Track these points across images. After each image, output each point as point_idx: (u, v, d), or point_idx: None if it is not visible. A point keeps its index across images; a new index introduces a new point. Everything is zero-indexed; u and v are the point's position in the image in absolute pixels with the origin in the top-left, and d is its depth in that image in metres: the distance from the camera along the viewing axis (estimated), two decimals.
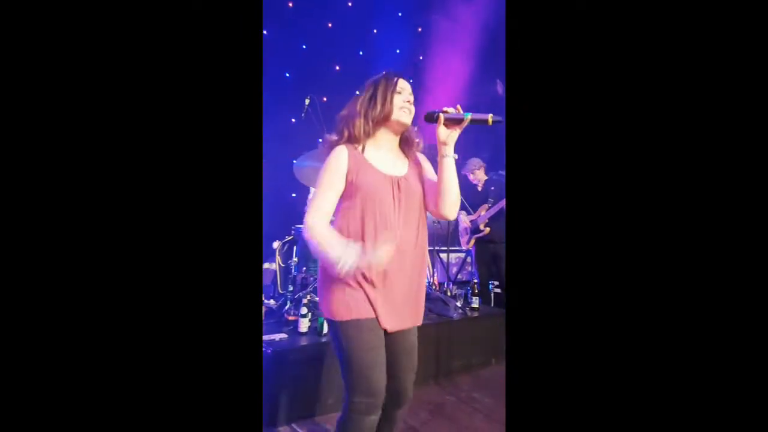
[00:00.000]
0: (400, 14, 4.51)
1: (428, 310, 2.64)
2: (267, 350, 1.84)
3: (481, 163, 3.40)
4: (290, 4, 3.75)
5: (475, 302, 2.76)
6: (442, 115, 1.10)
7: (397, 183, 1.13)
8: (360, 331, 1.05)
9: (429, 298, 2.80)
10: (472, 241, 3.35)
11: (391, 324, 1.09)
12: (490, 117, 1.06)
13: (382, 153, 1.17)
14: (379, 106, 1.12)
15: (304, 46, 3.86)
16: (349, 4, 4.16)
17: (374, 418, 1.07)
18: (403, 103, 1.13)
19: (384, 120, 1.14)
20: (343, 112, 1.17)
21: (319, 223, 1.06)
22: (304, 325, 2.05)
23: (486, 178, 3.35)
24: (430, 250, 3.60)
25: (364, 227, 1.08)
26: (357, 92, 1.19)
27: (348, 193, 1.11)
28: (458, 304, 2.73)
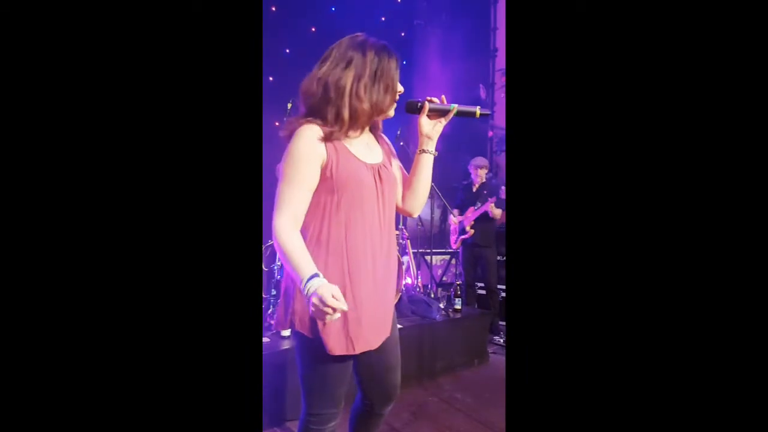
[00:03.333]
0: (383, 19, 4.54)
1: (411, 312, 2.66)
2: None
3: (487, 164, 3.46)
4: (273, 8, 3.75)
5: (458, 304, 2.80)
6: (427, 104, 0.97)
7: (378, 172, 0.95)
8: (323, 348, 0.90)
9: (412, 299, 2.82)
10: (459, 242, 3.40)
11: (378, 340, 0.96)
12: (477, 110, 0.97)
13: (358, 139, 0.96)
14: (384, 94, 0.91)
15: (287, 51, 3.86)
16: (333, 9, 4.18)
17: (333, 424, 0.98)
18: (396, 93, 0.95)
19: (382, 111, 0.93)
20: (330, 78, 0.89)
21: (290, 230, 0.88)
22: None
23: (484, 181, 3.40)
24: (414, 253, 3.63)
25: (348, 231, 0.90)
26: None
27: (325, 188, 0.91)
28: (441, 305, 2.75)
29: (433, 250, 3.84)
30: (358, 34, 0.94)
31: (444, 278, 4.24)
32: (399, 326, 2.38)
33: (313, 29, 4.04)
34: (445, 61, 4.56)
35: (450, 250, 4.29)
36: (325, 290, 0.81)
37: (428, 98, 0.98)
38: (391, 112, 0.98)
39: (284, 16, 3.81)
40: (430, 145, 0.98)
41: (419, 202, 1.02)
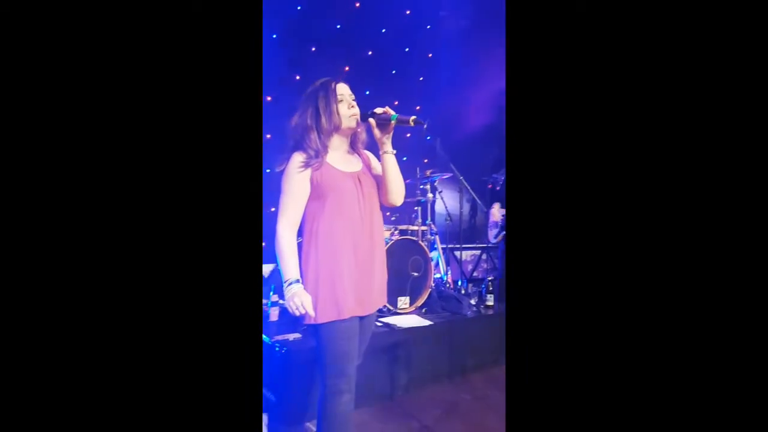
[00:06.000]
0: (408, 12, 4.49)
1: (441, 308, 2.63)
2: (281, 350, 1.87)
3: None
4: (298, 8, 3.78)
5: (490, 300, 2.74)
6: (372, 120, 1.21)
7: (358, 178, 1.24)
8: (338, 322, 1.17)
9: (442, 296, 2.79)
10: (500, 237, 3.33)
11: (366, 309, 1.23)
12: (411, 119, 1.19)
13: (338, 153, 1.25)
14: (324, 119, 1.19)
15: (312, 48, 3.88)
16: (357, 4, 4.17)
17: (348, 396, 1.18)
18: (347, 110, 1.22)
19: (335, 130, 1.22)
20: (295, 121, 1.22)
21: (286, 235, 1.17)
22: None
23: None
24: (444, 248, 3.59)
25: (333, 227, 1.18)
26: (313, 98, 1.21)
27: (315, 195, 1.20)
28: (472, 302, 2.71)
29: (463, 245, 3.78)
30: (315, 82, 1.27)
31: (475, 273, 4.18)
32: (429, 322, 2.37)
33: (339, 26, 4.05)
34: (471, 51, 4.46)
35: (481, 245, 4.22)
36: (297, 299, 1.13)
37: (373, 111, 1.21)
38: (350, 124, 1.23)
39: (310, 14, 3.83)
40: (387, 147, 1.23)
41: (395, 194, 1.27)
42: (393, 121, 1.19)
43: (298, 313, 1.14)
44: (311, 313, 1.14)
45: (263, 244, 3.62)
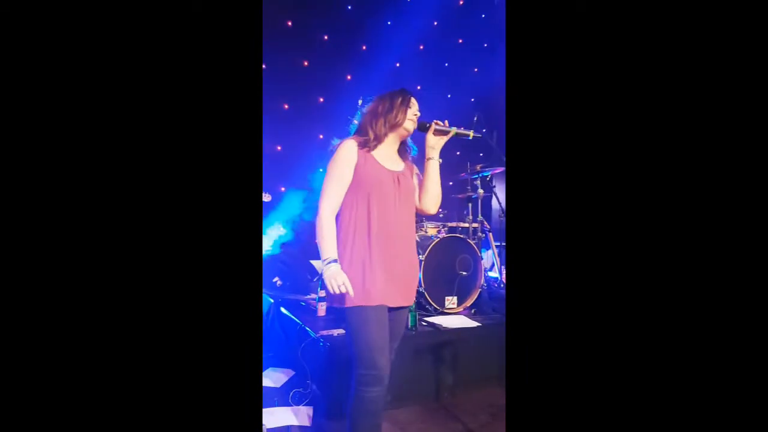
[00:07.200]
0: (461, 3, 4.36)
1: (492, 309, 2.53)
2: (324, 344, 1.90)
3: None
4: (349, 7, 3.82)
5: None
6: (433, 125, 1.37)
7: (397, 178, 1.33)
8: (367, 308, 1.21)
9: (494, 296, 2.67)
10: None
11: (392, 301, 1.26)
12: (471, 132, 1.38)
13: (387, 151, 1.37)
14: (395, 113, 1.35)
15: (364, 47, 3.90)
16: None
17: (379, 389, 1.20)
18: (412, 115, 1.37)
19: (397, 125, 1.36)
20: (365, 110, 1.39)
21: (328, 216, 1.26)
22: None
23: None
24: (498, 246, 3.44)
25: (370, 218, 1.26)
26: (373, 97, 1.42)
27: (356, 185, 1.28)
28: None
29: None
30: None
31: None
32: (477, 323, 2.28)
33: (389, 23, 4.03)
34: None
35: None
36: (339, 278, 1.19)
37: (435, 121, 1.38)
38: (409, 126, 1.36)
39: (361, 13, 3.85)
40: (435, 154, 1.38)
41: (432, 199, 1.39)
42: (452, 132, 1.35)
43: (338, 291, 1.19)
44: (351, 291, 1.19)
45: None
